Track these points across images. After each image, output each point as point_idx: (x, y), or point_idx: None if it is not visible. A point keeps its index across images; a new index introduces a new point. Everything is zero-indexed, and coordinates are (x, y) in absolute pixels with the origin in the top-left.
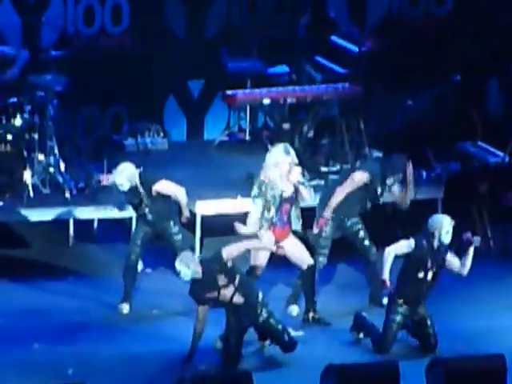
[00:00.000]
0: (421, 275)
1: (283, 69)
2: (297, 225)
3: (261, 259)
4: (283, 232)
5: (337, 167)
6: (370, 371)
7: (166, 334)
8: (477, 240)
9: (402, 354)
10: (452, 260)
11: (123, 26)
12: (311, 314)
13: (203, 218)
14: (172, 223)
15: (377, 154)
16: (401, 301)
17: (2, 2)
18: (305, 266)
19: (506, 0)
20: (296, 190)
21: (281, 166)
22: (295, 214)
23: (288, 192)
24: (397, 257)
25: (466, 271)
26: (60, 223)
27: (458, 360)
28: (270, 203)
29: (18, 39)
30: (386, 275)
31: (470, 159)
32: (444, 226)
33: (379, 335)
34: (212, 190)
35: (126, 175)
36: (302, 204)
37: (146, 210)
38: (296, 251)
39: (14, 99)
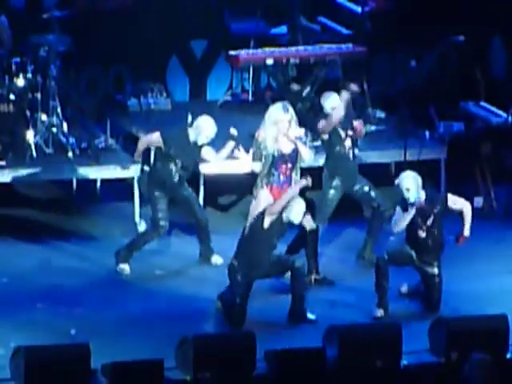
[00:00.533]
0: (413, 236)
1: (284, 29)
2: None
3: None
4: (281, 192)
5: None
6: (372, 332)
7: (168, 294)
8: (479, 201)
9: (405, 314)
10: (453, 206)
11: None
12: (313, 276)
13: (206, 177)
14: (186, 182)
15: (380, 114)
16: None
17: None
18: (307, 229)
19: None
20: (297, 150)
21: (280, 124)
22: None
23: (286, 151)
24: None
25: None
26: (63, 183)
27: (461, 320)
28: (264, 162)
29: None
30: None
31: (472, 119)
32: (403, 183)
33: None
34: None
35: (214, 131)
36: (304, 165)
37: (179, 167)
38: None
39: (17, 59)
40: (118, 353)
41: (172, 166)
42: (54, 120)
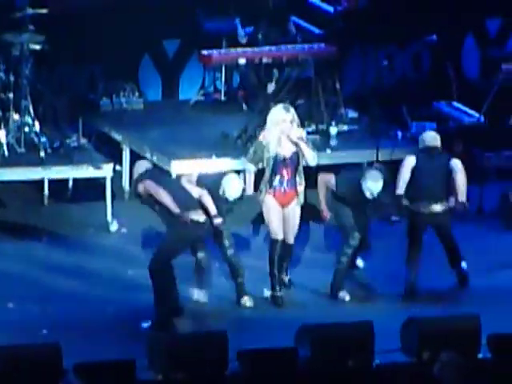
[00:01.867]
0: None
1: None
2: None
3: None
4: (285, 196)
5: (312, 127)
6: (345, 331)
7: (140, 294)
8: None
9: (377, 312)
10: None
11: None
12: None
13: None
14: None
15: (352, 113)
16: None
17: None
18: (286, 240)
19: None
20: (297, 153)
21: (282, 125)
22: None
23: (287, 153)
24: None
25: None
26: (35, 183)
27: (433, 320)
28: (266, 165)
29: None
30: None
31: (445, 119)
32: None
33: None
34: (187, 149)
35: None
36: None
37: None
38: (287, 222)
39: None
40: (90, 352)
41: None
42: (26, 119)
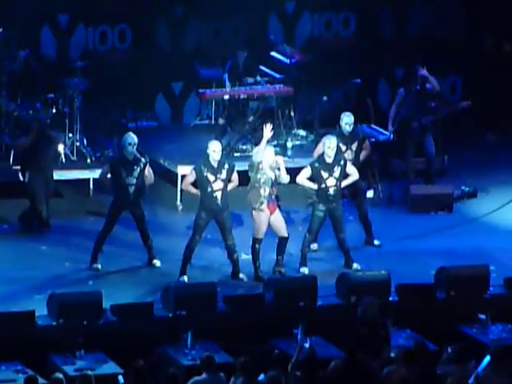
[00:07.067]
0: None
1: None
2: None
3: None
4: (273, 207)
5: (275, 142)
6: (298, 282)
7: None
8: (370, 192)
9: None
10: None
11: (127, 44)
12: (277, 269)
13: (182, 177)
14: None
15: (302, 132)
16: None
17: (43, 30)
18: (280, 235)
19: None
20: (276, 177)
21: (272, 158)
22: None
23: (273, 177)
24: None
25: None
26: (83, 180)
27: (358, 275)
28: (265, 185)
29: (53, 54)
30: None
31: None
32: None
33: None
34: (188, 157)
35: None
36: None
37: None
38: (276, 223)
39: (52, 95)
40: (121, 297)
41: None
42: (78, 137)
